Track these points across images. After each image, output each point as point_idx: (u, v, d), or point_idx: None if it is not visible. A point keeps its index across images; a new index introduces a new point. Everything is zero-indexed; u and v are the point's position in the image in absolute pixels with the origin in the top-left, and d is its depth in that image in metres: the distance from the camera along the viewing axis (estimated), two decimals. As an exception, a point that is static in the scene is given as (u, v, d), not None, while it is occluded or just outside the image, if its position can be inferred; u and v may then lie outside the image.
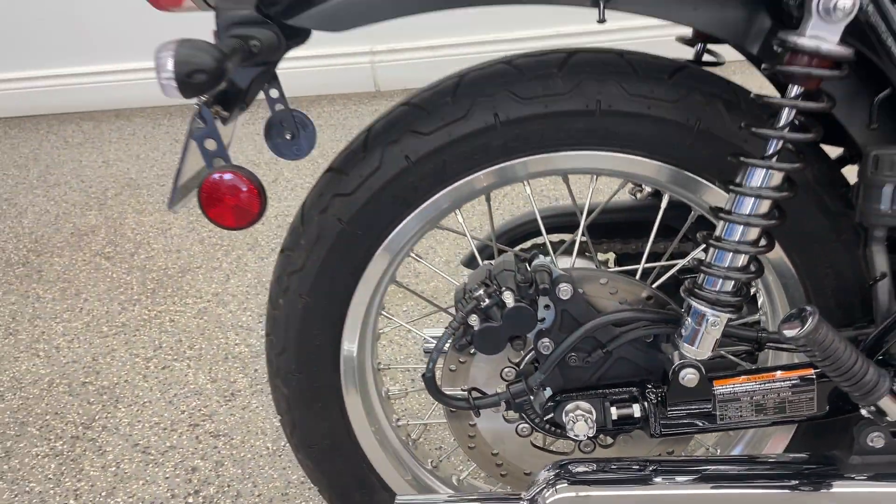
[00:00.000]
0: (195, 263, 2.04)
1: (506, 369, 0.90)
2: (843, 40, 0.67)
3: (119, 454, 1.45)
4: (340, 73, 2.93)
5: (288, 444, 1.26)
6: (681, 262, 0.93)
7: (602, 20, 0.74)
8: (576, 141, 0.83)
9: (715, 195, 0.84)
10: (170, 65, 0.66)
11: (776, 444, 0.96)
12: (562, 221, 1.04)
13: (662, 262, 0.98)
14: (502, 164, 0.85)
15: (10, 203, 2.40)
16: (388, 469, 1.01)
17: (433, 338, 1.17)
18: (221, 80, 0.69)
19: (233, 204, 0.78)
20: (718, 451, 1.04)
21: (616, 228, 1.04)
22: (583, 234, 0.95)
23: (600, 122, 0.81)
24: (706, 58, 0.97)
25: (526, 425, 0.92)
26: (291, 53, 0.81)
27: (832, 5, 0.65)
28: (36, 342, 1.78)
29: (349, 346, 0.94)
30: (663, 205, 0.92)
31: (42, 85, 2.98)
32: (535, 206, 0.96)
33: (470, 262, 1.11)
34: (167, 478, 1.39)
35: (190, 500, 1.34)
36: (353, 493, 1.01)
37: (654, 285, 0.90)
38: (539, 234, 1.05)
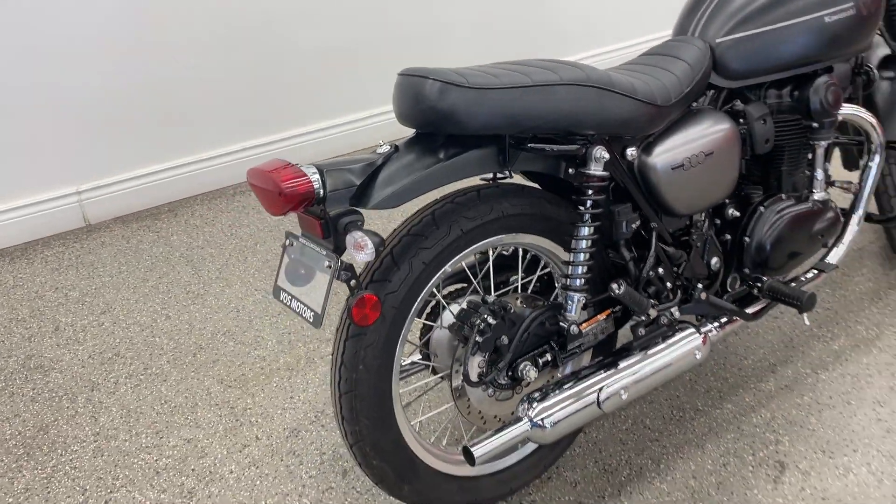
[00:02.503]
0: (48, 418, 2.18)
1: (481, 361, 1.65)
2: (604, 169, 1.62)
3: (137, 570, 1.72)
4: (49, 216, 3.05)
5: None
6: (533, 278, 1.80)
7: (510, 176, 1.57)
8: (495, 233, 1.62)
9: (557, 248, 1.72)
10: (370, 247, 1.29)
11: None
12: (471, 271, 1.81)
13: (519, 282, 1.83)
14: (462, 253, 1.60)
15: None
16: (418, 447, 1.66)
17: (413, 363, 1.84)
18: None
19: (367, 312, 1.39)
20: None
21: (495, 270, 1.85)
22: (485, 278, 1.76)
23: (505, 221, 1.62)
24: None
25: (491, 391, 1.69)
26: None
27: (595, 155, 1.59)
28: (-57, 540, 1.80)
29: (395, 381, 1.58)
30: (520, 254, 1.79)
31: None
32: (468, 270, 1.73)
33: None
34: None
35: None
36: (409, 475, 1.64)
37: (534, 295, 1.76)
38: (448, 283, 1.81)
